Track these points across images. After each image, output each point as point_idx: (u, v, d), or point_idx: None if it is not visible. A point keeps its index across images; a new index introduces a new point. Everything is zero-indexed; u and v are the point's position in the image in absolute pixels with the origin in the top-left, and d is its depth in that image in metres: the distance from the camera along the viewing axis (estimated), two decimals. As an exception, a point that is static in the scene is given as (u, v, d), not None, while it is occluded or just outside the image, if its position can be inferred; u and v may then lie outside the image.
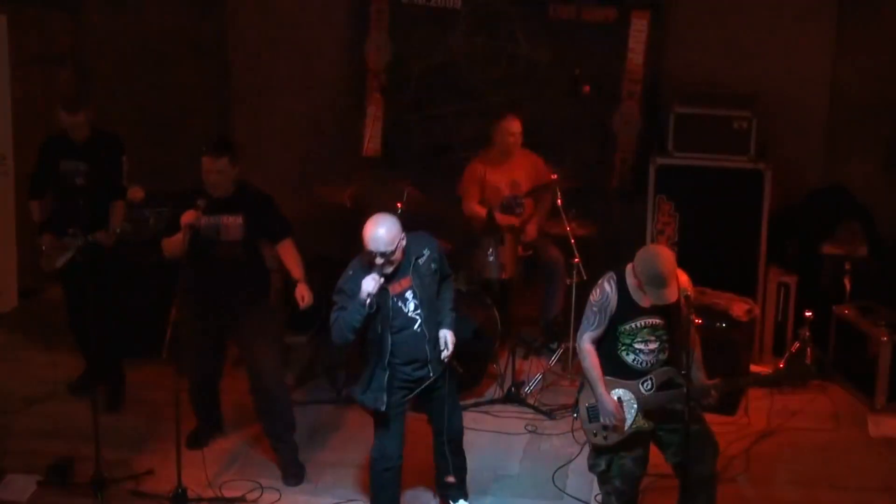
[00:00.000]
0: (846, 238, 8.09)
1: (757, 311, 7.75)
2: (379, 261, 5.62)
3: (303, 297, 6.62)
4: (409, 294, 5.77)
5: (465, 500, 6.35)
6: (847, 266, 7.91)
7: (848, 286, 7.88)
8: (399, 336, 5.79)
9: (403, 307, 5.77)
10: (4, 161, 8.73)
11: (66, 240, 7.10)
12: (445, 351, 5.86)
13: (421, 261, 5.81)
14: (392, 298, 5.74)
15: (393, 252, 5.64)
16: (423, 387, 5.90)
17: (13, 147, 8.75)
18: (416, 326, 5.79)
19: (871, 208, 8.36)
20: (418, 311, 5.79)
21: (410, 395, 5.93)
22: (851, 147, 8.53)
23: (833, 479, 6.65)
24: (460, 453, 6.23)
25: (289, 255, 6.63)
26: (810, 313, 7.64)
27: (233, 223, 6.44)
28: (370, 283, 5.59)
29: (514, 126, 7.99)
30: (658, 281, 5.38)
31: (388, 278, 5.72)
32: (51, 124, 7.39)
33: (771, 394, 7.60)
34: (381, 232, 5.60)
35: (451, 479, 6.22)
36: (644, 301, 5.52)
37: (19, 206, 8.74)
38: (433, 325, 5.86)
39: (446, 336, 5.88)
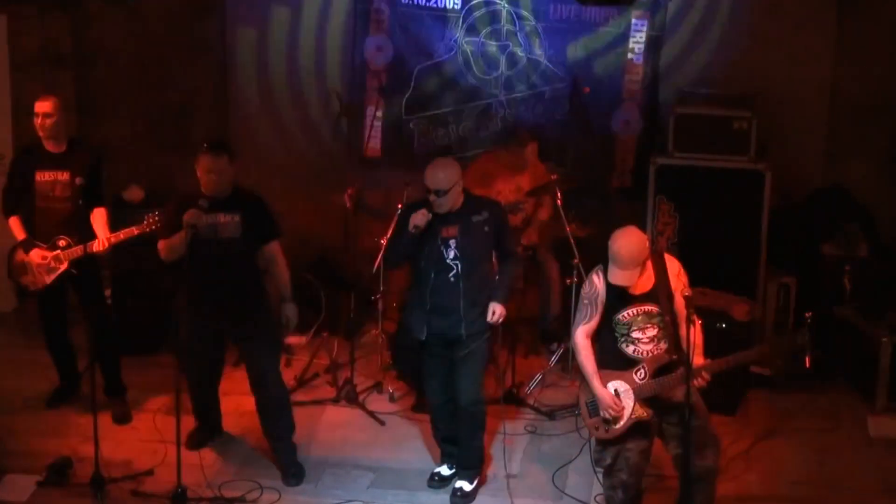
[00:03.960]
0: (846, 239, 8.08)
1: (757, 311, 7.75)
2: (432, 198, 6.12)
3: (288, 320, 6.66)
4: (452, 242, 6.20)
5: (467, 482, 6.43)
6: (847, 267, 7.90)
7: (848, 287, 7.88)
8: (437, 279, 6.22)
9: (445, 252, 6.21)
10: (4, 160, 8.71)
11: (59, 253, 6.91)
12: (491, 317, 6.26)
13: (475, 219, 6.24)
14: (439, 239, 6.19)
15: (446, 192, 6.11)
16: (454, 344, 6.29)
17: (13, 147, 8.74)
18: (451, 275, 6.21)
19: (871, 209, 8.35)
20: (456, 261, 6.20)
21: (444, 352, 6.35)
22: (851, 147, 8.53)
23: (833, 480, 6.65)
24: (467, 427, 6.41)
25: (278, 259, 6.62)
26: (810, 314, 7.62)
27: (230, 221, 6.45)
28: (419, 217, 6.12)
29: (535, 149, 8.14)
30: (617, 260, 5.47)
31: (442, 221, 6.18)
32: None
33: (771, 394, 7.60)
34: (441, 173, 6.13)
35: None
36: (633, 288, 5.55)
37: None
38: (473, 284, 6.24)
39: (495, 307, 6.27)
